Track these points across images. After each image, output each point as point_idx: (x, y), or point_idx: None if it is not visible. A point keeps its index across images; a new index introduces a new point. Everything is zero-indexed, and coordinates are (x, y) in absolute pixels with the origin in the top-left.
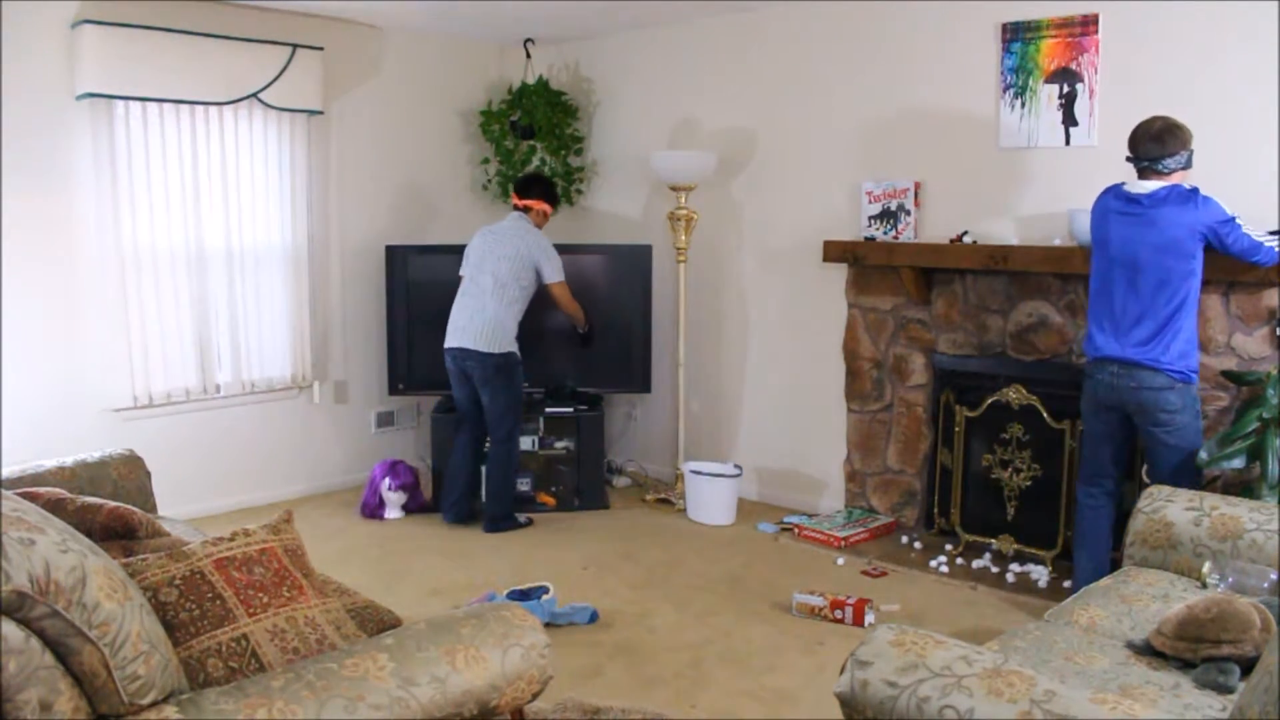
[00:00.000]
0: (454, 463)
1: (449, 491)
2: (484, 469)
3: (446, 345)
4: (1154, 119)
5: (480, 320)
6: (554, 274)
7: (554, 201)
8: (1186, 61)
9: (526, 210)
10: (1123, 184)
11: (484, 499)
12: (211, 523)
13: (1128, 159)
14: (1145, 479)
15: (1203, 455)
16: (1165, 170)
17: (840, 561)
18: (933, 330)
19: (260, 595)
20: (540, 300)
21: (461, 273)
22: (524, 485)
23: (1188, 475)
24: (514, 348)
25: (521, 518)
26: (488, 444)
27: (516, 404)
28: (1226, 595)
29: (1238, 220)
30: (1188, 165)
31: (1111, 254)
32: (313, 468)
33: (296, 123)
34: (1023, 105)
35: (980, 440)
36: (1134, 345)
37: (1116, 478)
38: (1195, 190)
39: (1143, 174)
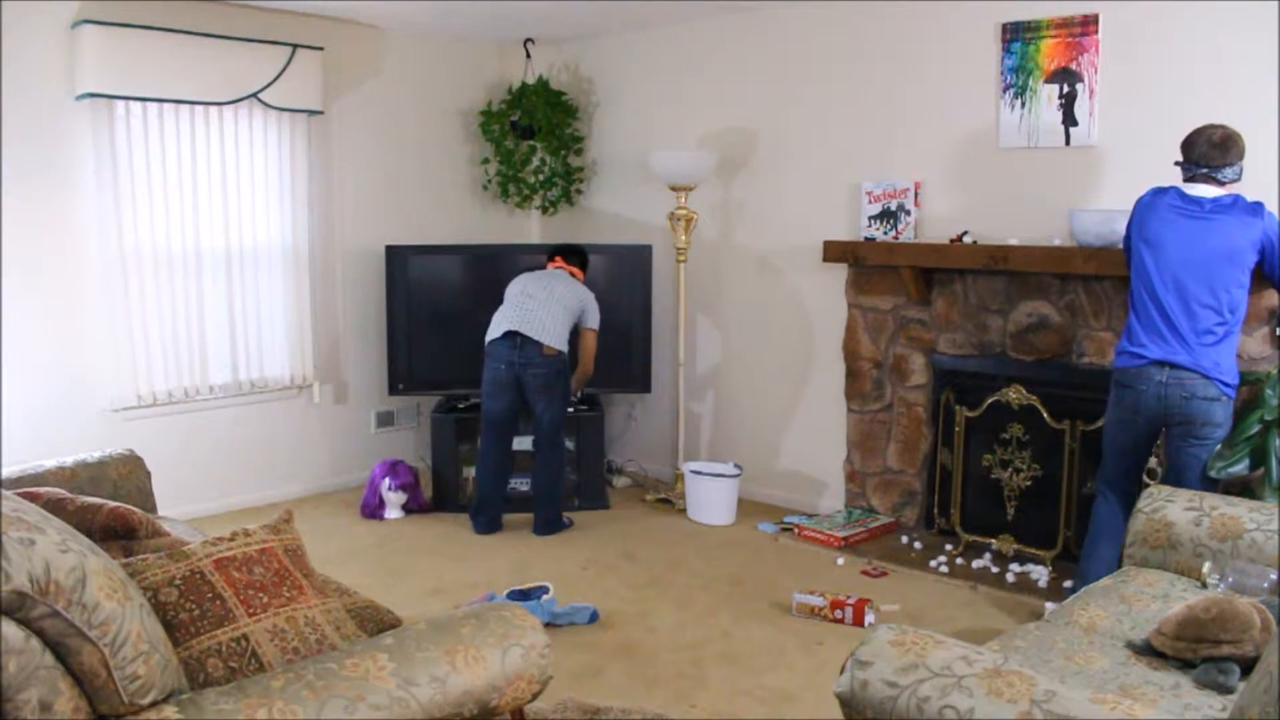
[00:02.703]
0: (487, 473)
1: (484, 503)
2: (532, 473)
3: (500, 334)
4: (1213, 126)
5: (544, 315)
6: (595, 322)
7: (585, 271)
8: (1186, 61)
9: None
10: (1175, 187)
11: (536, 503)
12: (211, 523)
13: (1178, 164)
14: (1146, 480)
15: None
16: (1224, 179)
17: (840, 561)
18: (933, 330)
19: (260, 595)
20: None
21: (506, 302)
22: (524, 485)
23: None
24: (566, 350)
25: (565, 519)
26: (518, 445)
27: (567, 408)
28: (1226, 595)
29: None
30: (1240, 177)
31: (1165, 256)
32: (313, 468)
33: (296, 123)
34: (1023, 105)
35: (980, 440)
36: (1188, 351)
37: (1139, 484)
38: (1260, 204)
39: (1195, 180)
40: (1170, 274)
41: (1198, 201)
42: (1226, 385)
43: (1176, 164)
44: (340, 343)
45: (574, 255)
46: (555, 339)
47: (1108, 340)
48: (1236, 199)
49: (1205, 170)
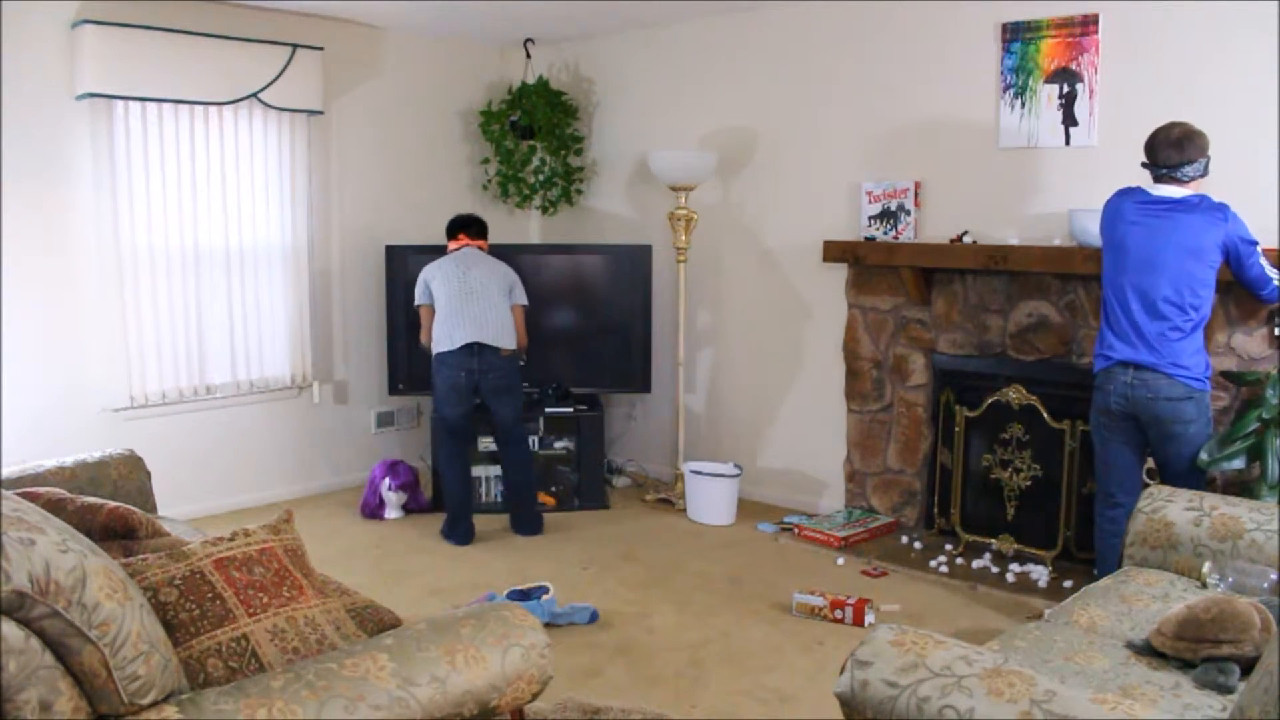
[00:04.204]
0: (457, 485)
1: (459, 516)
2: (504, 474)
3: (457, 345)
4: (1172, 125)
5: (495, 315)
6: (523, 297)
7: (487, 239)
8: (1186, 61)
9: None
10: (1139, 187)
11: (517, 503)
12: (211, 523)
13: (1144, 165)
14: (1146, 480)
15: (1203, 456)
16: (1184, 178)
17: (840, 561)
18: (933, 330)
19: (260, 595)
20: (535, 301)
21: (434, 296)
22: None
23: (1197, 488)
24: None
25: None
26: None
27: (522, 402)
28: (1226, 595)
29: (1258, 247)
30: (1205, 173)
31: (1129, 256)
32: (313, 468)
33: (296, 123)
34: (1023, 105)
35: (980, 440)
36: (1151, 350)
37: (1137, 496)
38: (1224, 205)
39: (1159, 180)
40: (1135, 273)
41: (1161, 201)
42: (1194, 380)
43: (1143, 165)
44: (340, 343)
45: (474, 227)
46: (509, 337)
47: None
48: (1202, 199)
49: (1165, 170)
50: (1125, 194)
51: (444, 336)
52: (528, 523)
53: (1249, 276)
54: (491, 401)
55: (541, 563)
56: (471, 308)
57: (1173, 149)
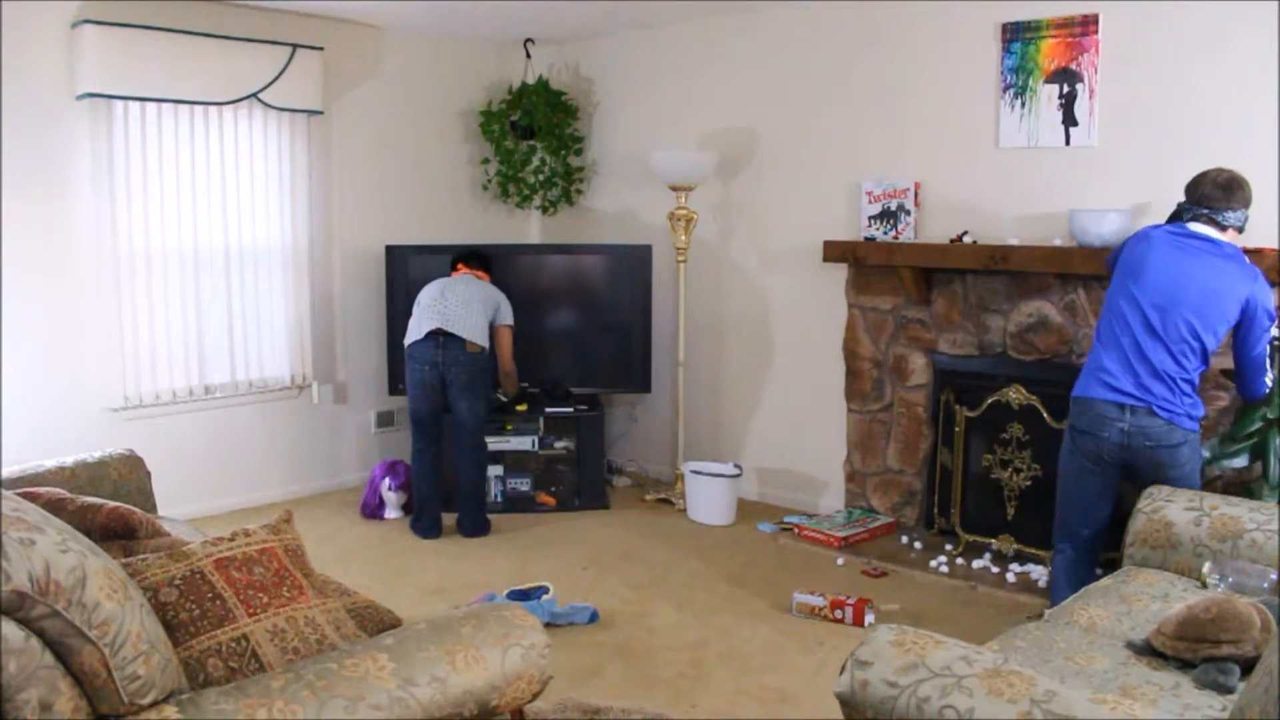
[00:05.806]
0: (423, 478)
1: (425, 507)
2: (458, 474)
3: (423, 333)
4: (1220, 169)
5: (465, 312)
6: (509, 318)
7: (490, 274)
8: (1186, 61)
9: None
10: (1180, 222)
11: (463, 505)
12: (211, 523)
13: (1180, 205)
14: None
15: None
16: (1224, 223)
17: (840, 561)
18: (933, 330)
19: (260, 595)
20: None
21: (422, 306)
22: (524, 485)
23: None
24: (488, 346)
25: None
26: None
27: (489, 407)
28: (1226, 595)
29: (1273, 327)
30: (1243, 227)
31: (1145, 278)
32: (313, 468)
33: (296, 123)
34: (1023, 105)
35: (980, 440)
36: (1157, 383)
37: (1098, 529)
38: (1258, 270)
39: (1196, 219)
40: (1151, 297)
41: (1197, 236)
42: (1190, 422)
43: (1179, 205)
44: (340, 343)
45: (475, 259)
46: (477, 334)
47: None
48: (1239, 252)
49: (1206, 211)
50: (1162, 226)
51: (413, 328)
52: (468, 526)
53: (1251, 354)
54: (454, 399)
55: (541, 563)
56: (441, 307)
57: (1219, 190)
